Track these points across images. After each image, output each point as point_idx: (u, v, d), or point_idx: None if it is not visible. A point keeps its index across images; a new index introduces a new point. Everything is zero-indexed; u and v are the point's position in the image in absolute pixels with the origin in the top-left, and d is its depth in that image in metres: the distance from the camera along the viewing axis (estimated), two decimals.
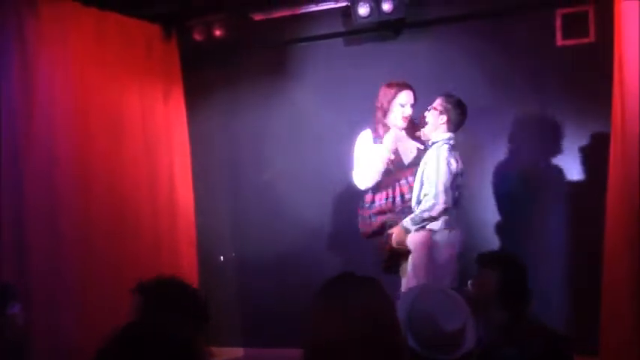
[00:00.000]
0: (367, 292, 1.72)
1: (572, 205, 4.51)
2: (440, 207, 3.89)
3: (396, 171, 4.16)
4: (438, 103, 4.03)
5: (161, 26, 5.26)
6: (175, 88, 5.37)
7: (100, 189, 4.57)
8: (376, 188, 4.18)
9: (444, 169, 3.91)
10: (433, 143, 4.03)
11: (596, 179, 4.26)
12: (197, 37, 5.22)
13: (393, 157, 4.12)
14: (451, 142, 4.01)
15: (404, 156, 4.19)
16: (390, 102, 4.12)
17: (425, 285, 2.20)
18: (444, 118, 4.00)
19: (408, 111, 4.13)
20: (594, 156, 4.39)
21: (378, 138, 4.19)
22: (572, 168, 4.53)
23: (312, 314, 1.70)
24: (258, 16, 5.24)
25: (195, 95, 5.41)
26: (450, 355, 2.06)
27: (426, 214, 3.92)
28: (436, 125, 4.02)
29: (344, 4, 4.95)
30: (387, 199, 4.16)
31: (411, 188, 4.09)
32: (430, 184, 3.93)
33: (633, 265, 3.55)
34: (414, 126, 4.20)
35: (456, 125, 4.04)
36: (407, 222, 3.97)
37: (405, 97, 4.12)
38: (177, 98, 5.38)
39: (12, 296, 2.98)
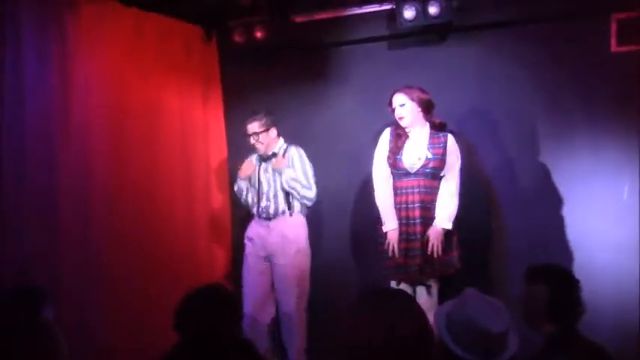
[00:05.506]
0: (401, 303, 1.82)
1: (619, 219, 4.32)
2: None
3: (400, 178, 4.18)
4: None
5: (201, 27, 5.23)
6: (214, 90, 5.35)
7: (135, 188, 4.51)
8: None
9: None
10: None
11: None
12: (237, 38, 5.17)
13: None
14: None
15: (407, 160, 4.16)
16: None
17: (467, 291, 2.20)
18: None
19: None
20: None
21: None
22: (624, 178, 4.32)
23: (347, 322, 1.76)
24: (299, 18, 5.16)
25: (234, 97, 5.36)
26: (495, 358, 2.05)
27: None
28: None
29: (389, 7, 4.83)
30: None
31: (420, 200, 4.10)
32: None
33: None
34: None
35: None
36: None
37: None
38: (215, 99, 5.35)
39: (45, 300, 2.87)
